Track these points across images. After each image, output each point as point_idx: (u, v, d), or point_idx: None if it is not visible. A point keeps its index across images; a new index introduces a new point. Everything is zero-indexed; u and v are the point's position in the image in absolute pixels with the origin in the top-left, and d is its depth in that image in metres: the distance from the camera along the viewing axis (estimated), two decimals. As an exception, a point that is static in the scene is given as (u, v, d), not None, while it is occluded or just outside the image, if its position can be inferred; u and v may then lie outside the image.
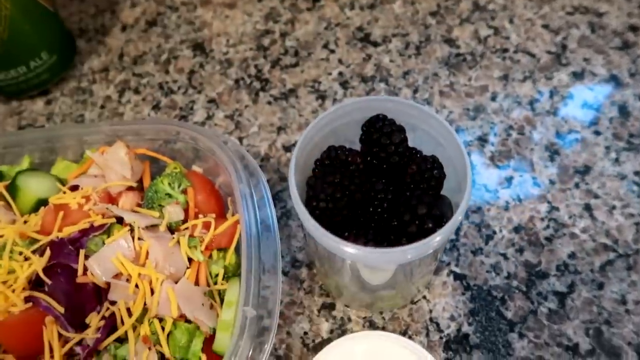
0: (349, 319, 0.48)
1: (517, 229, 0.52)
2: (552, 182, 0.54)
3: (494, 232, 0.52)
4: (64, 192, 0.47)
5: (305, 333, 0.48)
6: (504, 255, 0.50)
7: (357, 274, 0.40)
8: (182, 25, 0.70)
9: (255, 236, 0.42)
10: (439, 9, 0.68)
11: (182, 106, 0.63)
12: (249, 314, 0.38)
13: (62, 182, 0.49)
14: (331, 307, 0.49)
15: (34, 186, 0.48)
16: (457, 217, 0.35)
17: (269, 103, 0.62)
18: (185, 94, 0.64)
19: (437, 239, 0.34)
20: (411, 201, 0.37)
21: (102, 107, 0.64)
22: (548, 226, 0.52)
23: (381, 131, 0.40)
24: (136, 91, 0.65)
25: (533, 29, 0.65)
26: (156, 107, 0.63)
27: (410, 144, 0.41)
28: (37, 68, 0.61)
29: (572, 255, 0.49)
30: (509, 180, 0.54)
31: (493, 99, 0.60)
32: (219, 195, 0.50)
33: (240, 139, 0.60)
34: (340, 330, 0.48)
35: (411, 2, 0.69)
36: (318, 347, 0.46)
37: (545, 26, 0.65)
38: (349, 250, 0.34)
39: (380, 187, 0.39)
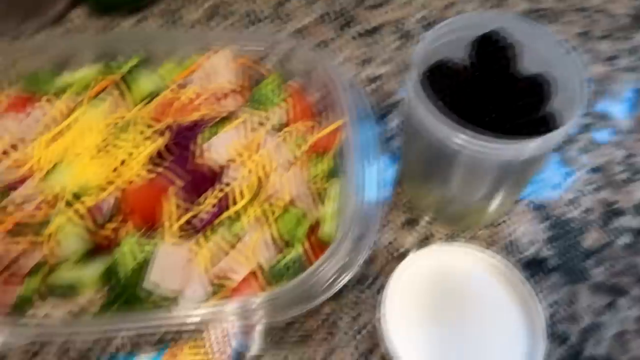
0: (432, 235, 0.51)
1: (594, 170, 0.54)
2: (629, 132, 0.56)
3: (573, 171, 0.54)
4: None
5: (390, 243, 0.50)
6: (582, 192, 0.52)
7: (457, 180, 0.43)
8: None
9: (358, 138, 0.44)
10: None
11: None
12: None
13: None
14: (415, 222, 0.51)
15: (145, 81, 0.50)
16: (569, 125, 0.37)
17: (354, 38, 0.65)
18: (272, 22, 0.66)
19: (554, 137, 0.36)
20: (523, 108, 0.39)
21: (192, 27, 0.66)
22: (625, 170, 0.53)
23: (495, 45, 0.42)
24: (224, 17, 0.67)
25: (614, -8, 0.67)
26: (244, 33, 0.65)
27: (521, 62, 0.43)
28: (135, -16, 0.63)
29: (648, 196, 0.51)
30: (587, 126, 0.56)
31: (574, 51, 0.62)
32: (312, 109, 0.52)
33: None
34: (423, 244, 0.50)
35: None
36: (401, 257, 0.48)
37: (626, -10, 0.67)
38: (472, 140, 0.36)
39: (490, 99, 0.41)
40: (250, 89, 0.51)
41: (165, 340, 0.43)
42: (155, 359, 0.40)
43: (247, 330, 0.43)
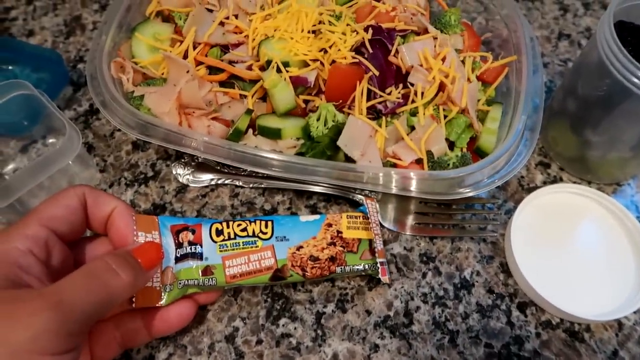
0: (561, 179, 0.57)
1: None
2: None
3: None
4: (368, 1, 0.57)
5: (522, 177, 0.57)
6: None
7: (610, 124, 0.48)
8: None
9: (530, 75, 0.51)
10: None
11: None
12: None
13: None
14: (547, 165, 0.58)
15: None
16: None
17: (517, 0, 0.70)
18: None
19: None
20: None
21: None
22: None
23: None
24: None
25: None
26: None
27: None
28: None
29: None
30: None
31: None
32: (480, 45, 0.59)
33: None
34: (552, 183, 0.56)
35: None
36: (531, 190, 0.55)
37: None
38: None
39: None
40: (430, 16, 0.58)
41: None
42: (319, 221, 0.47)
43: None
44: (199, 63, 0.54)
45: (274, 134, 0.49)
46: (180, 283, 0.43)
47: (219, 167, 0.54)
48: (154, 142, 0.48)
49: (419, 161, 0.49)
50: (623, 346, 0.47)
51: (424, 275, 0.50)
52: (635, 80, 0.43)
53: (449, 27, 0.56)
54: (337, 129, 0.48)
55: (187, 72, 0.51)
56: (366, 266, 0.46)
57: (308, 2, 0.55)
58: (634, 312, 0.48)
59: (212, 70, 0.54)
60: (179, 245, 0.44)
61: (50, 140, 0.57)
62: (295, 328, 0.47)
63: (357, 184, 0.47)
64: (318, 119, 0.49)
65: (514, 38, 0.55)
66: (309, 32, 0.53)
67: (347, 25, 0.53)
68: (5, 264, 0.33)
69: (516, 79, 0.53)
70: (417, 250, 0.52)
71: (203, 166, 0.54)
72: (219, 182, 0.54)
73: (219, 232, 0.45)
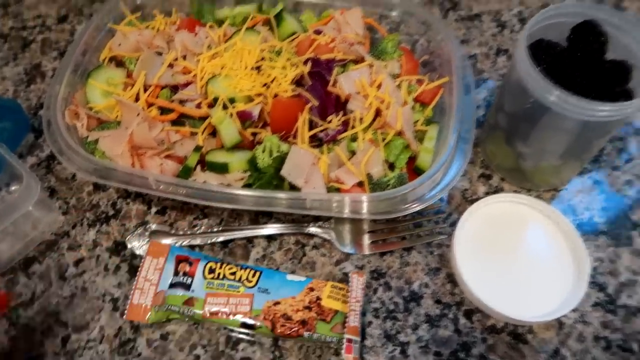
0: (502, 189, 0.60)
1: (652, 161, 0.62)
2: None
3: (631, 158, 0.62)
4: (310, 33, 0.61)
5: (466, 190, 0.60)
6: (637, 176, 0.60)
7: (538, 137, 0.52)
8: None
9: (462, 93, 0.54)
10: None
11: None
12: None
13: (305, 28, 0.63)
14: (489, 177, 0.61)
15: (290, 23, 0.62)
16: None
17: (456, 20, 0.74)
18: (386, -3, 0.77)
19: (630, 104, 0.44)
20: (607, 85, 0.48)
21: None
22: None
23: (593, 32, 0.51)
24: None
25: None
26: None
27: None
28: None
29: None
30: (652, 125, 0.64)
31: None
32: (418, 68, 0.62)
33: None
34: (493, 194, 0.59)
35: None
36: (473, 201, 0.58)
37: None
38: (564, 96, 0.45)
39: (579, 75, 0.50)
40: (371, 44, 0.62)
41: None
42: (303, 283, 0.50)
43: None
44: (150, 104, 0.57)
45: (221, 168, 0.52)
46: (165, 306, 0.49)
47: (173, 232, 0.55)
48: (109, 185, 0.51)
49: (360, 184, 0.52)
50: (564, 344, 0.50)
51: (375, 291, 0.53)
52: (551, 97, 0.46)
53: (385, 54, 0.59)
54: (282, 159, 0.51)
55: (138, 114, 0.53)
56: (334, 339, 0.47)
57: (251, 40, 0.58)
58: (573, 311, 0.51)
59: (164, 110, 0.57)
60: (176, 273, 0.50)
61: (13, 188, 0.59)
62: (254, 351, 0.50)
63: (303, 210, 0.50)
64: (263, 151, 0.52)
65: (447, 60, 0.58)
66: (252, 68, 0.56)
67: (288, 59, 0.56)
68: None
69: (450, 99, 0.56)
70: (367, 268, 0.54)
71: (158, 233, 0.55)
72: (177, 244, 0.54)
73: (212, 271, 0.50)
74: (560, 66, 0.50)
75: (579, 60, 0.50)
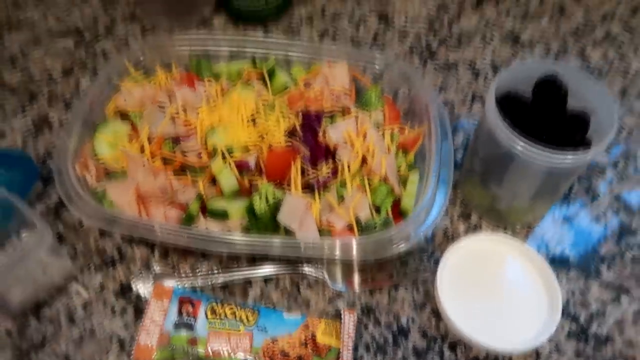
0: (480, 227, 0.65)
1: (616, 198, 0.67)
2: (649, 173, 0.69)
3: (597, 196, 0.67)
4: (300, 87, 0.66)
5: (447, 228, 0.65)
6: (605, 214, 0.66)
7: (509, 182, 0.57)
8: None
9: (440, 140, 0.60)
10: (578, 31, 0.85)
11: (366, 56, 0.81)
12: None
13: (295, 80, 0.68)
14: (468, 216, 0.66)
15: (282, 77, 0.67)
16: (601, 146, 0.51)
17: (434, 69, 0.80)
18: (370, 48, 0.83)
19: (590, 152, 0.50)
20: (569, 134, 0.53)
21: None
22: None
23: (554, 85, 0.57)
24: (333, 38, 0.84)
25: (653, 62, 0.81)
26: (347, 52, 0.82)
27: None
28: (271, 3, 0.81)
29: (658, 224, 0.65)
30: (615, 164, 0.70)
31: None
32: (400, 117, 0.68)
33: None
34: (472, 232, 0.64)
35: (556, 20, 0.86)
36: (454, 239, 0.62)
37: (664, 62, 0.81)
38: (529, 147, 0.50)
39: (544, 125, 0.55)
40: (356, 94, 0.68)
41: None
42: (299, 321, 0.54)
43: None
44: (154, 155, 0.61)
45: (221, 215, 0.56)
46: (170, 346, 0.52)
47: (176, 274, 0.59)
48: (116, 232, 0.55)
49: (350, 227, 0.57)
50: (540, 373, 0.54)
51: (366, 326, 0.57)
52: (517, 147, 0.52)
53: (370, 104, 0.65)
54: (277, 205, 0.56)
55: (144, 165, 0.58)
56: None
57: (247, 93, 0.63)
58: (549, 341, 0.55)
59: (167, 159, 0.62)
60: (179, 313, 0.54)
61: (24, 235, 0.63)
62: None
63: (298, 253, 0.54)
64: (260, 198, 0.56)
65: (426, 109, 0.64)
66: (248, 120, 0.61)
67: (281, 112, 0.61)
68: None
69: (429, 144, 0.61)
70: (358, 304, 0.58)
71: (161, 275, 0.59)
72: (179, 286, 0.58)
73: (214, 311, 0.54)
74: (526, 117, 0.55)
75: (543, 112, 0.56)
